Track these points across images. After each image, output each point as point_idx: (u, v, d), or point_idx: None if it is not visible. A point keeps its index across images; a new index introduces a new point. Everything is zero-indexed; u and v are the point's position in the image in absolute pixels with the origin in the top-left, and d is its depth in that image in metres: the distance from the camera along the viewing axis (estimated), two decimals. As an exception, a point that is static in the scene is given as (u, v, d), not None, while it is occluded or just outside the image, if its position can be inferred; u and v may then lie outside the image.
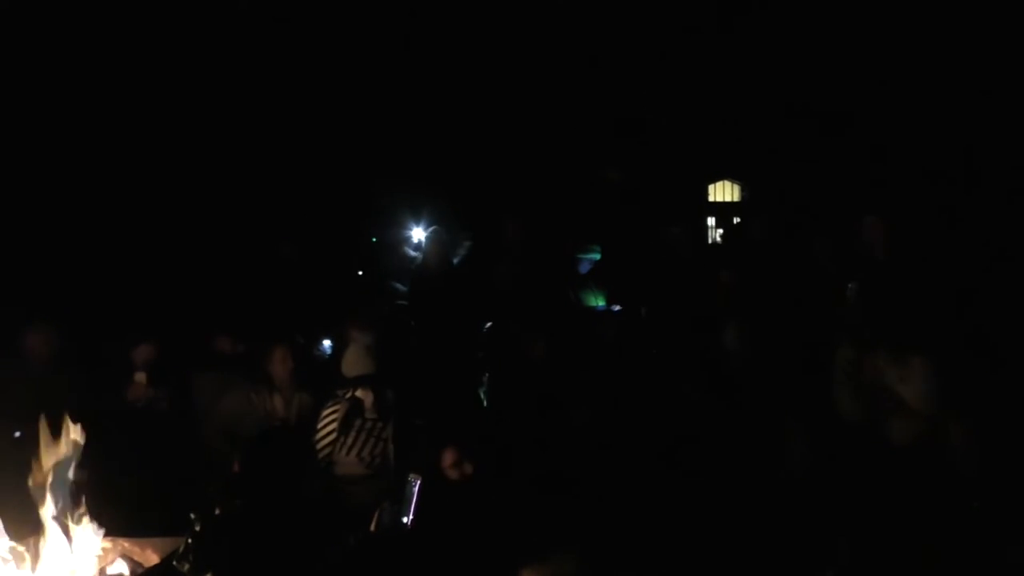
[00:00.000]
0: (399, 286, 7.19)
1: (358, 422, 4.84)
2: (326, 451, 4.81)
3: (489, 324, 6.22)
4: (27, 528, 3.18)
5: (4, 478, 3.33)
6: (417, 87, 9.49)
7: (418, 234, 7.62)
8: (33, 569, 3.18)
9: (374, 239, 8.61)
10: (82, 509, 3.22)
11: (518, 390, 5.37)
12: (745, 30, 9.68)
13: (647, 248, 7.29)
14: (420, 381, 5.35)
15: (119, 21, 7.97)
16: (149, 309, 6.19)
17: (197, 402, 5.43)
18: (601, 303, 6.82)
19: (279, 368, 5.35)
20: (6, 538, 3.20)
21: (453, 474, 4.18)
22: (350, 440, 4.80)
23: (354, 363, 5.02)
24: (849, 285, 5.24)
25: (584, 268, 7.11)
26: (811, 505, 3.92)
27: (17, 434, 4.40)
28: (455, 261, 7.26)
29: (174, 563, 3.05)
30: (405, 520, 3.74)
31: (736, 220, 11.62)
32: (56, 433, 3.26)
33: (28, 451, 3.26)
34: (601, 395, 5.09)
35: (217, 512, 3.14)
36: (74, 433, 3.25)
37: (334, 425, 4.83)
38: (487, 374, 5.74)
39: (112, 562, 3.32)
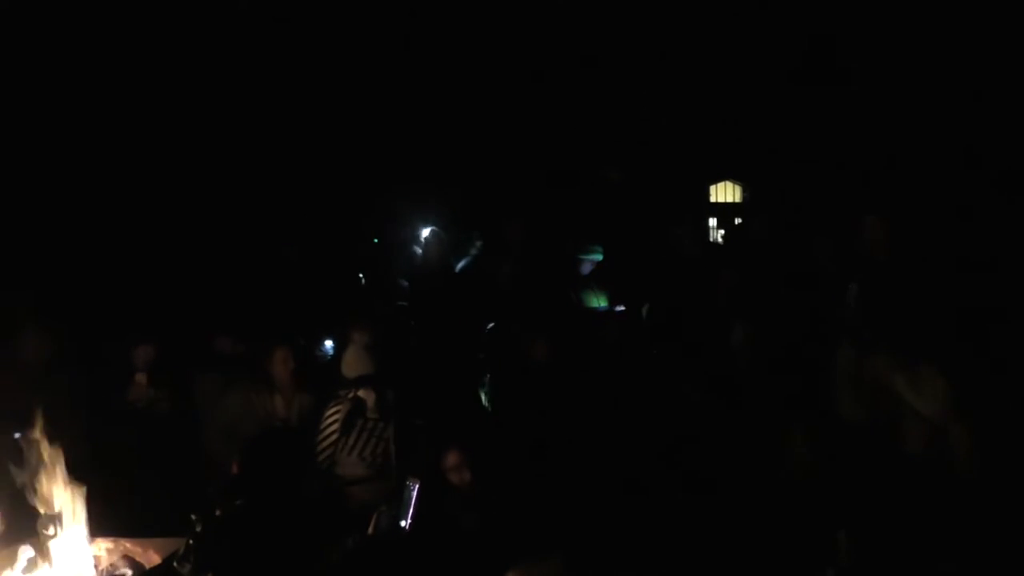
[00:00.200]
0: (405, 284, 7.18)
1: (359, 422, 4.84)
2: (328, 451, 4.82)
3: (491, 325, 6.23)
4: (26, 529, 3.18)
5: (3, 479, 3.33)
6: (421, 86, 9.50)
7: (426, 234, 7.63)
8: (33, 570, 3.18)
9: (375, 239, 8.61)
10: (80, 511, 3.21)
11: (519, 391, 5.38)
12: (745, 30, 9.69)
13: (649, 249, 7.29)
14: (421, 381, 5.35)
15: (119, 21, 7.97)
16: (150, 309, 6.19)
17: (198, 403, 5.43)
18: (603, 304, 6.81)
19: (280, 369, 5.35)
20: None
21: (455, 478, 4.18)
22: (352, 440, 4.81)
23: (355, 363, 5.02)
24: (850, 286, 5.23)
25: (586, 269, 7.10)
26: (812, 505, 3.92)
27: (16, 435, 4.40)
28: (465, 261, 7.27)
29: (175, 564, 3.05)
30: (403, 524, 3.74)
31: (737, 221, 11.59)
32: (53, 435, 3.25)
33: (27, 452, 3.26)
34: (602, 395, 5.10)
35: (218, 513, 3.15)
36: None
37: (336, 426, 4.83)
38: (488, 375, 5.74)
39: (114, 563, 3.31)
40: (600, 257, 7.13)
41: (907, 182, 7.78)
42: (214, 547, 3.06)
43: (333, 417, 4.86)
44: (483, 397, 5.66)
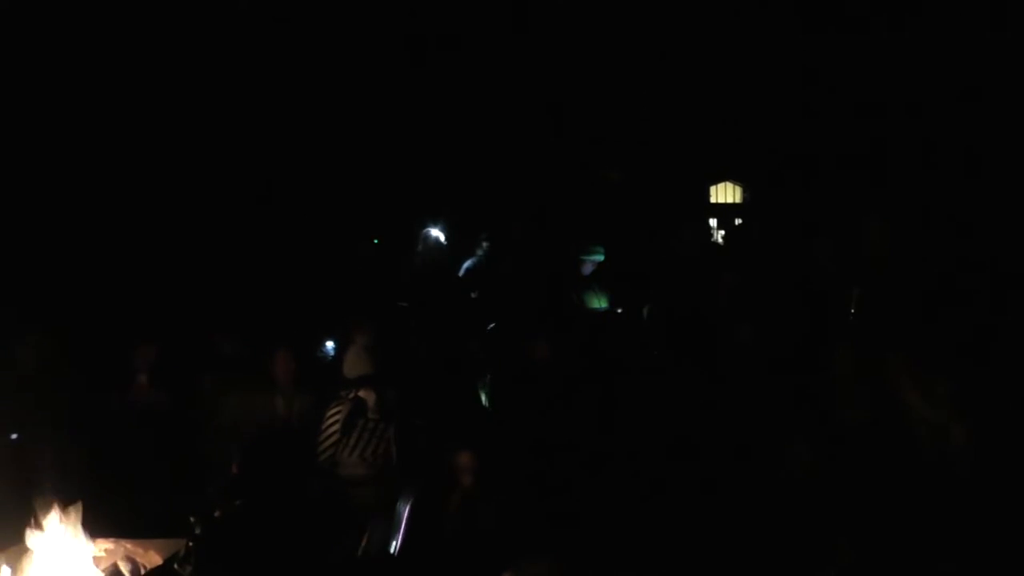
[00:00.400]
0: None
1: (361, 423, 4.84)
2: (329, 452, 4.82)
3: (492, 325, 6.23)
4: (25, 530, 3.17)
5: (2, 480, 3.33)
6: (422, 87, 9.50)
7: (436, 233, 7.64)
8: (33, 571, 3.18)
9: (376, 240, 8.62)
10: (79, 513, 3.21)
11: (520, 391, 5.38)
12: (746, 31, 9.69)
13: (650, 249, 7.30)
14: (421, 382, 5.36)
15: (123, 22, 7.98)
16: (151, 310, 6.20)
17: (199, 403, 5.44)
18: (604, 304, 6.81)
19: (281, 370, 5.36)
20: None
21: (466, 479, 4.18)
22: (353, 441, 4.81)
23: (356, 364, 5.03)
24: (853, 290, 5.24)
25: (587, 270, 7.10)
26: (813, 505, 3.92)
27: (14, 436, 4.41)
28: (472, 261, 7.27)
29: (176, 566, 3.05)
30: (394, 543, 3.75)
31: (738, 221, 11.60)
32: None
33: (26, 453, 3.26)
34: (602, 396, 5.10)
35: (218, 514, 3.14)
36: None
37: (337, 426, 4.84)
38: (488, 375, 5.75)
39: (115, 563, 3.31)
40: (601, 258, 7.13)
41: (907, 182, 7.78)
42: (215, 549, 3.06)
43: (334, 418, 4.86)
44: (483, 397, 5.67)
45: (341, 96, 9.26)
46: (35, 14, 7.45)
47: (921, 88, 8.55)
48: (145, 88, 8.13)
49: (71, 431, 4.62)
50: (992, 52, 7.91)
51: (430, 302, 6.60)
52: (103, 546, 3.33)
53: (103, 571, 3.24)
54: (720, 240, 10.83)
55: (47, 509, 3.10)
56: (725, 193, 12.66)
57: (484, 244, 7.33)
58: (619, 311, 6.66)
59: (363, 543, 3.86)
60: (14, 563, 3.13)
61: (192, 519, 3.06)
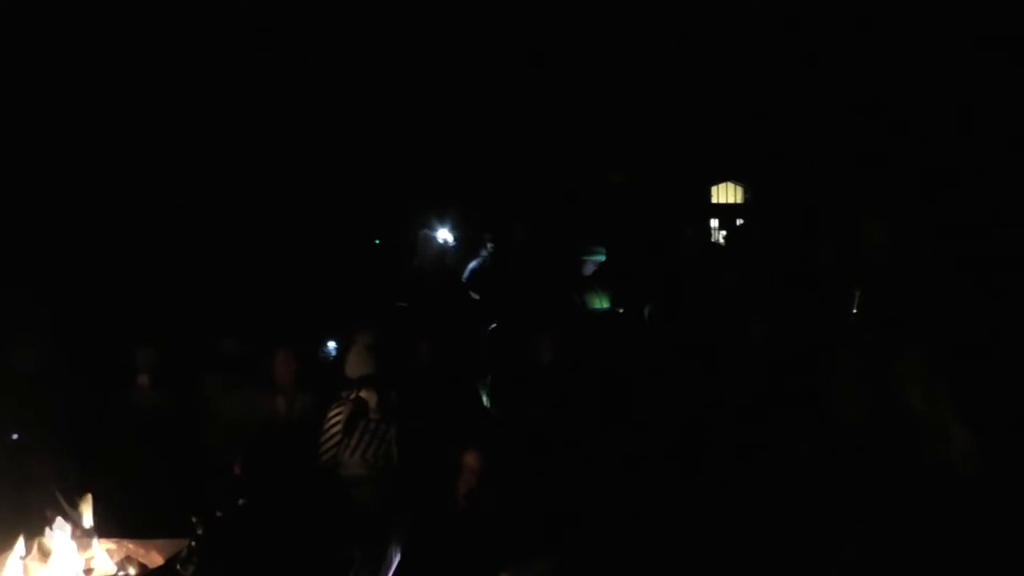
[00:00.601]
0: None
1: (362, 423, 4.84)
2: (331, 453, 4.82)
3: (493, 326, 6.23)
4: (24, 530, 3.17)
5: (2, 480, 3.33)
6: (425, 87, 9.51)
7: (443, 234, 7.65)
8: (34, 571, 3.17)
9: (377, 241, 8.62)
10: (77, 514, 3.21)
11: (522, 391, 5.38)
12: (746, 31, 9.69)
13: (651, 249, 7.30)
14: (423, 382, 5.36)
15: (128, 22, 7.98)
16: (153, 311, 6.20)
17: (200, 404, 5.44)
18: (606, 305, 6.81)
19: (282, 370, 5.36)
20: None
21: (468, 480, 4.17)
22: (354, 441, 4.80)
23: (357, 364, 5.03)
24: (855, 290, 5.24)
25: (589, 270, 7.10)
26: (815, 505, 3.92)
27: (15, 436, 4.41)
28: (477, 262, 7.27)
29: (177, 567, 3.04)
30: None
31: (739, 222, 11.60)
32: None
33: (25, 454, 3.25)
34: (604, 396, 5.10)
35: (219, 515, 3.14)
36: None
37: (339, 427, 4.83)
38: (490, 375, 5.75)
39: (116, 564, 3.31)
40: (603, 258, 7.13)
41: (908, 182, 7.77)
42: (216, 548, 3.05)
43: (336, 418, 4.85)
44: (484, 398, 5.67)
45: (342, 96, 9.25)
46: (37, 16, 7.45)
47: (921, 88, 8.54)
48: (148, 88, 8.14)
49: (72, 431, 4.62)
50: (992, 52, 7.91)
51: (431, 303, 6.59)
52: (105, 546, 3.33)
53: (104, 572, 3.24)
54: (721, 240, 10.84)
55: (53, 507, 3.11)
56: (726, 193, 12.66)
57: (488, 245, 7.33)
58: (621, 311, 6.66)
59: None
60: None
61: (194, 519, 3.05)
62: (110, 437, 4.82)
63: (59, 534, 3.12)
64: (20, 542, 3.09)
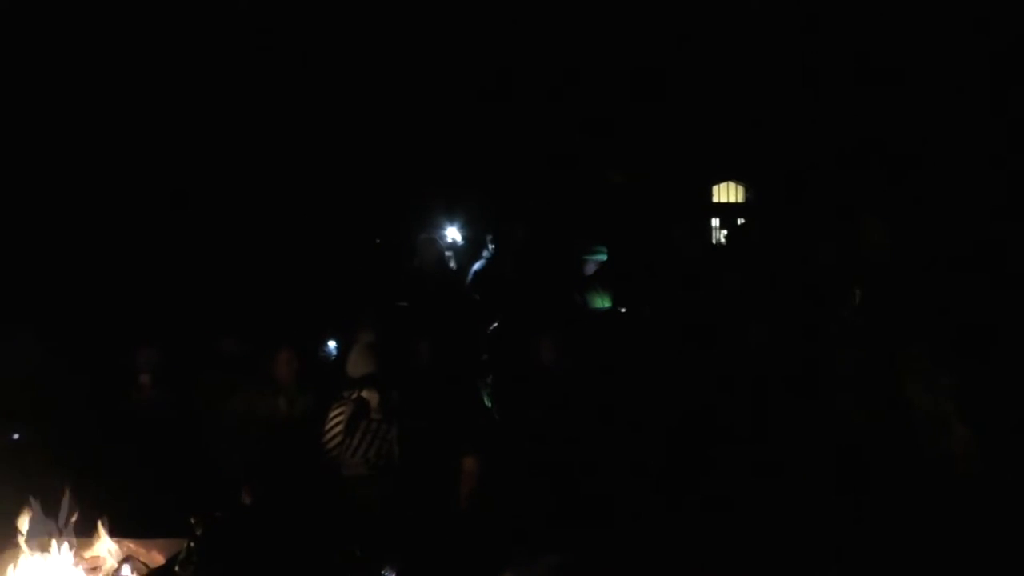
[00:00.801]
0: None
1: (363, 423, 4.84)
2: (332, 453, 4.82)
3: (494, 325, 6.22)
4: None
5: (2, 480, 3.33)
6: (425, 88, 9.51)
7: (452, 233, 7.64)
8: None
9: (377, 240, 8.61)
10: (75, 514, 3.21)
11: (523, 391, 5.38)
12: (747, 32, 9.69)
13: (652, 249, 7.29)
14: (424, 382, 5.35)
15: (133, 23, 7.99)
16: (154, 311, 6.20)
17: (201, 404, 5.44)
18: (607, 304, 6.81)
19: (284, 370, 5.36)
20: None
21: (469, 482, 4.18)
22: (355, 441, 4.80)
23: (359, 363, 5.03)
24: (855, 290, 5.23)
25: (590, 269, 7.10)
26: (815, 505, 3.92)
27: (15, 436, 4.42)
28: (480, 263, 7.27)
29: (176, 568, 3.04)
30: None
31: (740, 221, 11.59)
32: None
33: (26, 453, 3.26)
34: (606, 395, 5.10)
35: (219, 515, 3.14)
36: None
37: (340, 427, 4.83)
38: (491, 376, 5.75)
39: (117, 563, 3.32)
40: (604, 257, 7.13)
41: (908, 182, 7.78)
42: (216, 549, 3.05)
43: (337, 418, 4.85)
44: (485, 398, 5.67)
45: (341, 96, 9.26)
46: (38, 17, 7.46)
47: (921, 87, 8.54)
48: (148, 88, 8.14)
49: (73, 431, 4.63)
50: (991, 51, 7.91)
51: (431, 303, 6.59)
52: (106, 545, 3.33)
53: (104, 572, 3.25)
54: (723, 240, 10.83)
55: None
56: (727, 193, 12.65)
57: (490, 246, 7.33)
58: (622, 311, 6.65)
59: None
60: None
61: (192, 520, 3.05)
62: (111, 437, 4.82)
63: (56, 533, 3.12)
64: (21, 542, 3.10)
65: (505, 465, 4.34)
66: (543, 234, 7.41)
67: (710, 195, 12.51)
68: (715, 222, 11.97)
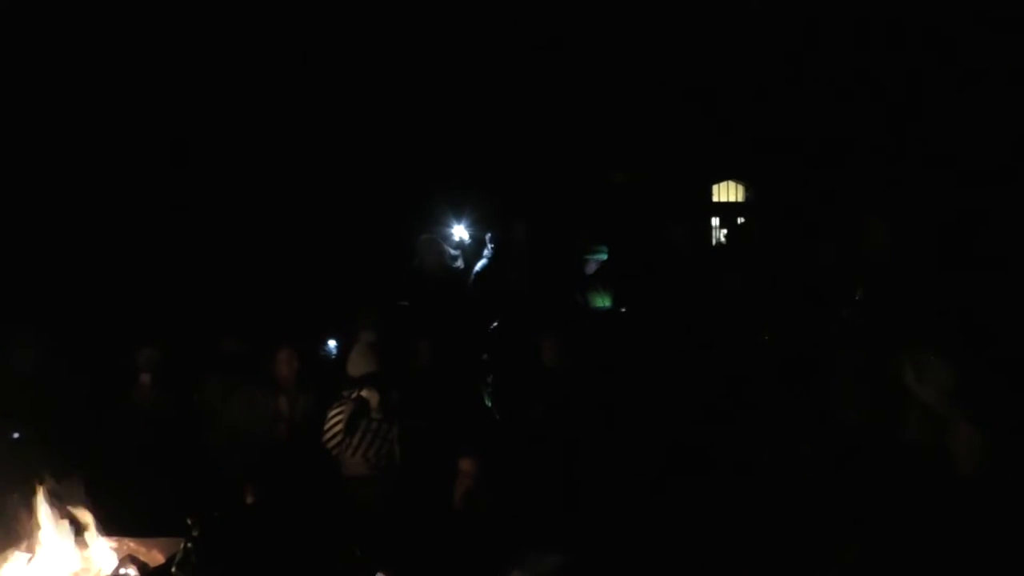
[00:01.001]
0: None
1: (364, 423, 4.84)
2: (333, 452, 4.82)
3: (494, 325, 6.22)
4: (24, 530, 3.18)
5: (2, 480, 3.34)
6: (426, 88, 9.51)
7: (459, 232, 7.64)
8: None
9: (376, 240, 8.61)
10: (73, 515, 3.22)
11: (524, 391, 5.38)
12: (747, 30, 9.69)
13: (652, 248, 7.29)
14: (425, 382, 5.36)
15: (127, 23, 7.99)
16: (155, 311, 6.21)
17: (202, 404, 5.45)
18: (608, 303, 6.81)
19: (284, 369, 5.37)
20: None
21: (465, 482, 4.18)
22: (356, 441, 4.80)
23: (360, 362, 5.03)
24: (856, 290, 5.24)
25: (591, 269, 7.10)
26: (816, 504, 3.92)
27: (15, 435, 4.42)
28: (482, 263, 7.28)
29: (173, 569, 3.03)
30: None
31: (740, 220, 11.58)
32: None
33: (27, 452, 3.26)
34: (607, 395, 5.10)
35: (218, 515, 3.13)
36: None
37: (340, 427, 4.83)
38: (492, 376, 5.74)
39: (118, 562, 3.32)
40: (605, 257, 7.13)
41: (909, 182, 7.77)
42: (216, 549, 3.05)
43: (337, 417, 4.86)
44: (486, 398, 5.67)
45: (341, 96, 9.25)
46: (39, 18, 7.46)
47: (922, 87, 8.54)
48: (149, 88, 8.14)
49: (74, 431, 4.63)
50: (991, 50, 7.90)
51: (432, 303, 6.59)
52: (106, 544, 3.33)
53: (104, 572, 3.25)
54: (723, 239, 10.82)
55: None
56: (728, 192, 12.63)
57: (490, 246, 7.33)
58: (623, 310, 6.66)
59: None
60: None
61: (189, 520, 3.05)
62: (111, 436, 4.83)
63: (56, 533, 3.13)
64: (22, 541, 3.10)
65: (505, 465, 4.34)
66: (543, 233, 7.41)
67: (710, 195, 12.49)
68: (715, 222, 11.96)
